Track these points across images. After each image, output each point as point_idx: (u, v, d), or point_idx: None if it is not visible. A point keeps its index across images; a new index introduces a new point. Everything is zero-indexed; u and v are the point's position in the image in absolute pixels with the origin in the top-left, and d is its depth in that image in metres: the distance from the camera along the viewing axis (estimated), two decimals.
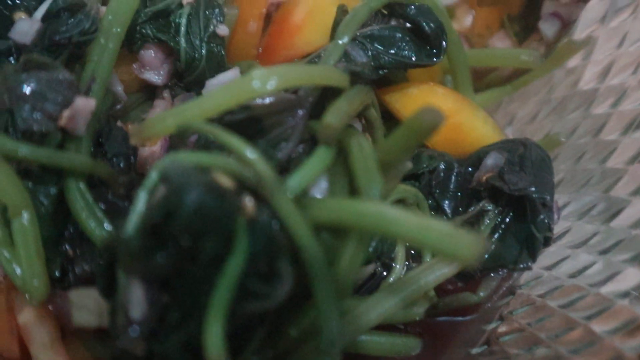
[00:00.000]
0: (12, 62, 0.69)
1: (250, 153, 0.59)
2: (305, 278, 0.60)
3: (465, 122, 0.86)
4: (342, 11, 0.84)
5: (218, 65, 0.81)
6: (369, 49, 0.76)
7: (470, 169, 0.83)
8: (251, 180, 0.59)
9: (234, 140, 0.59)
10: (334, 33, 0.84)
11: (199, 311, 0.56)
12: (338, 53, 0.72)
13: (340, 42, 0.73)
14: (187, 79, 0.80)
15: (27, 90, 0.62)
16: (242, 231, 0.57)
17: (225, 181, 0.58)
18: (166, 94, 0.82)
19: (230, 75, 0.77)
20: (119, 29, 0.71)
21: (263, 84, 0.60)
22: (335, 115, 0.64)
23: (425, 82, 0.88)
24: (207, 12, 0.80)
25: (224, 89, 0.62)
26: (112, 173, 0.66)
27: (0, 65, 0.69)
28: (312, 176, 0.64)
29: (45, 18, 0.69)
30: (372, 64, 0.76)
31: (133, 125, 0.72)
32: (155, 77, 0.80)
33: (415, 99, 0.85)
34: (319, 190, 0.67)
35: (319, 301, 0.59)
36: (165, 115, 0.64)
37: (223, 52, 0.81)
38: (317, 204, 0.61)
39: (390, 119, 0.85)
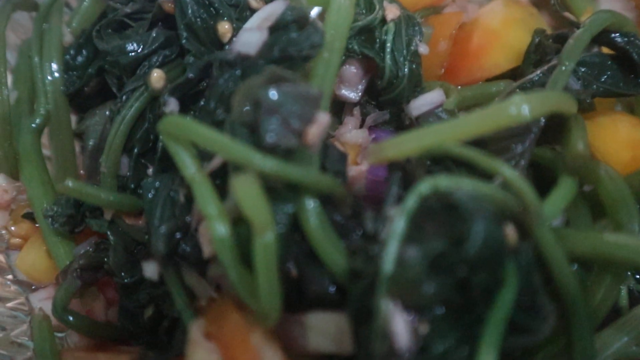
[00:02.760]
0: (238, 73, 0.67)
1: (517, 179, 0.57)
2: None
3: None
4: (541, 34, 0.82)
5: (416, 85, 0.79)
6: (581, 77, 0.75)
7: None
8: (515, 207, 0.57)
9: (500, 165, 0.57)
10: (528, 57, 0.82)
11: (466, 344, 0.54)
12: (565, 80, 0.70)
13: (564, 68, 0.71)
14: (384, 98, 0.78)
15: (276, 103, 0.60)
16: (511, 262, 0.55)
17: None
18: (356, 111, 0.80)
19: (435, 96, 0.76)
20: (340, 43, 0.70)
21: (523, 111, 0.58)
22: (582, 143, 0.63)
23: (610, 110, 0.86)
24: (409, 30, 0.78)
25: (481, 113, 0.60)
26: (346, 193, 0.64)
27: (224, 74, 0.67)
28: (561, 206, 0.62)
29: (273, 30, 0.67)
30: (590, 91, 0.74)
31: (371, 145, 0.70)
32: (352, 94, 0.78)
33: (604, 128, 0.83)
34: (556, 222, 0.65)
35: (576, 336, 0.57)
36: (413, 137, 0.62)
37: (421, 72, 0.79)
38: (573, 235, 0.59)
39: None
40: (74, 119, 0.89)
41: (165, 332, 0.70)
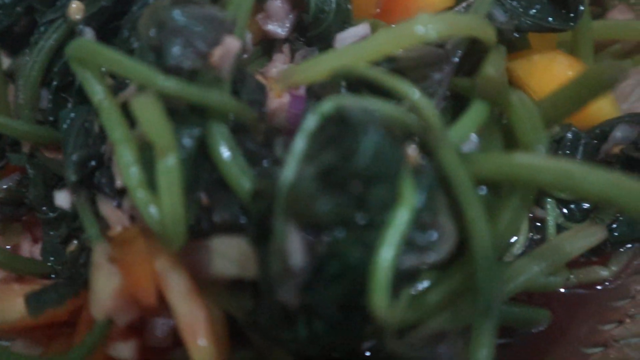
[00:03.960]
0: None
1: (420, 98, 0.56)
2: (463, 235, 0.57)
3: None
4: None
5: (344, 21, 0.77)
6: (508, 8, 0.73)
7: (595, 141, 0.80)
8: (417, 127, 0.56)
9: (402, 84, 0.56)
10: None
11: (361, 263, 0.53)
12: (486, 8, 0.69)
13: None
14: (312, 33, 0.77)
15: (180, 24, 0.59)
16: (408, 181, 0.54)
17: (396, 127, 0.55)
18: (285, 48, 0.79)
19: (361, 30, 0.74)
20: None
21: (427, 30, 0.57)
22: (494, 68, 0.61)
23: (545, 50, 0.84)
24: None
25: (387, 32, 0.59)
26: (256, 118, 0.63)
27: (135, 2, 0.66)
28: (470, 130, 0.61)
29: None
30: (514, 23, 0.73)
31: (286, 68, 0.69)
32: (279, 29, 0.77)
33: (540, 67, 0.82)
34: (469, 147, 0.64)
35: (478, 259, 0.56)
36: (319, 60, 0.61)
37: (350, 7, 0.78)
38: (479, 158, 0.58)
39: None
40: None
41: (82, 266, 0.70)
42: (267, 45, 0.80)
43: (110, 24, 0.70)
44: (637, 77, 0.90)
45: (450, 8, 0.83)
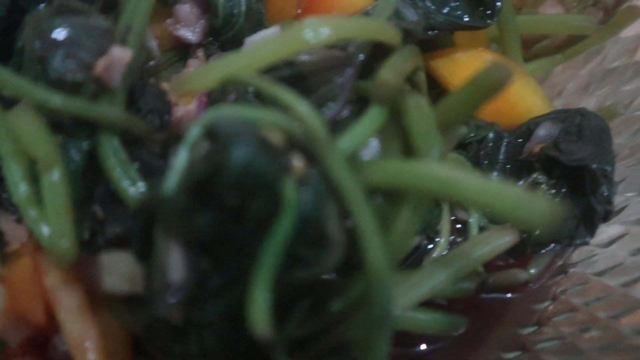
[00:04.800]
0: (42, 7, 0.64)
1: (303, 107, 0.54)
2: (355, 245, 0.56)
3: (514, 91, 0.82)
4: None
5: (257, 24, 0.76)
6: (420, 7, 0.72)
7: (519, 140, 0.78)
8: (301, 137, 0.55)
9: (284, 93, 0.55)
10: None
11: (243, 277, 0.52)
12: (390, 9, 0.67)
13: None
14: (224, 37, 0.76)
15: (61, 36, 0.57)
16: (291, 192, 0.53)
17: (275, 137, 0.53)
18: (200, 52, 0.78)
19: (271, 32, 0.73)
20: None
21: (316, 34, 0.56)
22: (391, 72, 0.60)
23: (473, 48, 0.83)
24: None
25: (274, 39, 0.57)
26: (149, 129, 0.62)
27: (32, 10, 0.65)
28: (365, 136, 0.59)
29: None
30: (423, 23, 0.71)
31: (172, 80, 0.67)
32: (189, 34, 0.75)
33: (463, 65, 0.80)
34: (369, 153, 0.63)
35: (371, 270, 0.55)
36: (209, 68, 0.59)
37: (263, 9, 0.76)
38: (371, 166, 0.57)
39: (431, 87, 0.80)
40: None
41: None
42: (183, 51, 0.79)
43: (8, 35, 0.68)
44: (570, 72, 0.88)
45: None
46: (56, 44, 0.57)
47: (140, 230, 0.56)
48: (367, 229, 0.54)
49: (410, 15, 0.70)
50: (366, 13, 0.71)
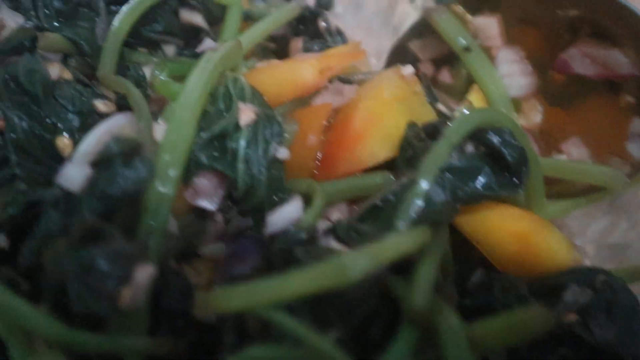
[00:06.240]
0: (58, 213, 0.62)
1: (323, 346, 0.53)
2: None
3: (539, 243, 0.80)
4: (412, 130, 0.77)
5: (277, 190, 0.73)
6: (447, 185, 0.69)
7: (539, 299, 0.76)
8: None
9: (315, 338, 0.53)
10: (402, 153, 0.77)
11: None
12: (419, 202, 0.65)
13: (421, 187, 0.66)
14: (244, 207, 0.73)
15: (83, 267, 0.55)
16: None
17: None
18: (218, 217, 0.75)
19: (292, 209, 0.70)
20: (176, 172, 0.64)
21: (354, 271, 0.54)
22: (423, 295, 0.58)
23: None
24: (266, 133, 0.72)
25: (306, 272, 0.55)
26: (174, 349, 0.60)
27: (47, 215, 0.62)
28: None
29: (96, 164, 0.62)
30: (452, 203, 0.69)
31: (198, 292, 0.64)
32: (209, 204, 0.73)
33: (487, 221, 0.78)
34: None
35: None
36: (234, 293, 0.57)
37: (283, 175, 0.74)
38: None
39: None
40: None
41: None
42: (200, 211, 0.76)
43: (24, 229, 0.66)
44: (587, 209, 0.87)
45: (393, 158, 0.80)
46: (78, 276, 0.55)
47: None
48: None
49: (438, 196, 0.68)
50: (393, 193, 0.69)
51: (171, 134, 0.66)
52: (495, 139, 0.72)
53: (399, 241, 0.59)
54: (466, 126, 0.70)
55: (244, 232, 0.75)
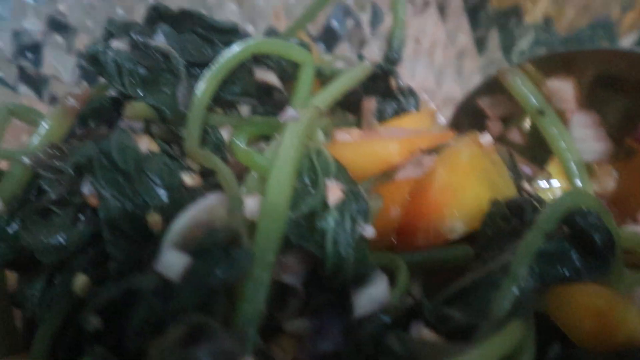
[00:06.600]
0: (158, 301, 0.62)
1: None
2: None
3: (618, 319, 0.79)
4: (496, 207, 0.77)
5: (362, 266, 0.74)
6: (536, 271, 0.69)
7: None
8: None
9: None
10: (484, 229, 0.77)
11: None
12: (515, 291, 0.65)
13: (516, 275, 0.66)
14: (329, 285, 0.73)
15: None
16: None
17: None
18: (300, 291, 0.76)
19: (379, 291, 0.70)
20: (272, 257, 0.65)
21: None
22: None
23: None
24: (352, 211, 0.72)
25: None
26: None
27: (146, 302, 0.63)
28: None
29: (195, 253, 0.62)
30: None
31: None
32: (293, 280, 0.73)
33: (565, 296, 0.78)
34: None
35: None
36: None
37: (367, 253, 0.74)
38: None
39: None
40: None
41: None
42: (281, 287, 0.76)
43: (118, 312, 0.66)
44: None
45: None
46: None
47: None
48: None
49: (527, 282, 0.68)
50: (485, 279, 0.69)
51: (266, 219, 0.66)
52: (582, 222, 0.71)
53: (504, 339, 0.59)
54: (558, 214, 0.69)
55: (326, 307, 0.75)
